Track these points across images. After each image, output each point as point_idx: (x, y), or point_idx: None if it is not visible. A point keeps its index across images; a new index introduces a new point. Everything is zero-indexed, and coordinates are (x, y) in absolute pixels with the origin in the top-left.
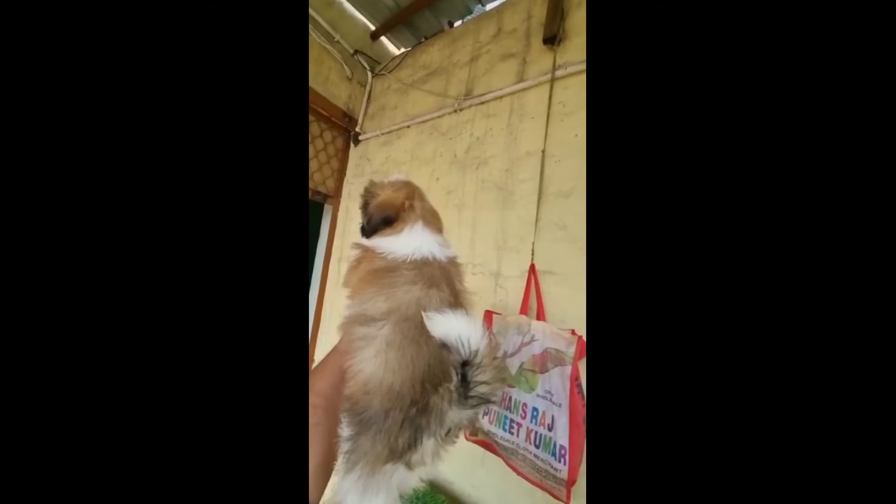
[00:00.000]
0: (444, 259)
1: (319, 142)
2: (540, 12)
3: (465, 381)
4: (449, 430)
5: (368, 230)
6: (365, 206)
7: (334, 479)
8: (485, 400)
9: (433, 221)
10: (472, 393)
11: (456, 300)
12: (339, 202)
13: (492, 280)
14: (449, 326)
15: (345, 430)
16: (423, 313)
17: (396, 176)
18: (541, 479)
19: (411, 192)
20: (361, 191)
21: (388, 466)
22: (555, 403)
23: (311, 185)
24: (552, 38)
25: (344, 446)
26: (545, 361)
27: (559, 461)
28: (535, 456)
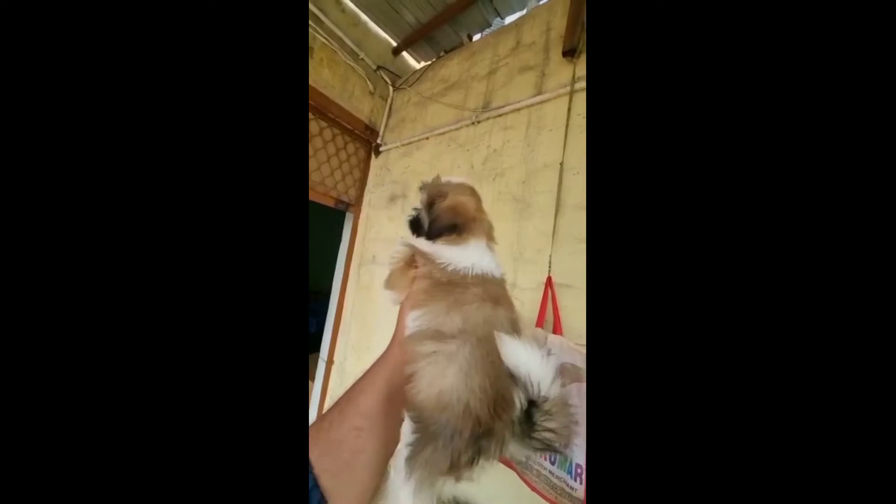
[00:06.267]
0: (499, 277)
1: (343, 153)
2: (560, 24)
3: (529, 420)
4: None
5: (433, 232)
6: (430, 205)
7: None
8: (548, 446)
9: (493, 237)
10: (535, 435)
11: (515, 322)
12: (360, 210)
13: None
14: (519, 359)
15: (408, 436)
16: (495, 334)
17: (459, 179)
18: (556, 496)
19: (479, 200)
20: (421, 185)
21: (443, 478)
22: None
23: (334, 194)
24: (572, 51)
25: (404, 451)
26: (562, 377)
27: (575, 480)
28: (550, 472)
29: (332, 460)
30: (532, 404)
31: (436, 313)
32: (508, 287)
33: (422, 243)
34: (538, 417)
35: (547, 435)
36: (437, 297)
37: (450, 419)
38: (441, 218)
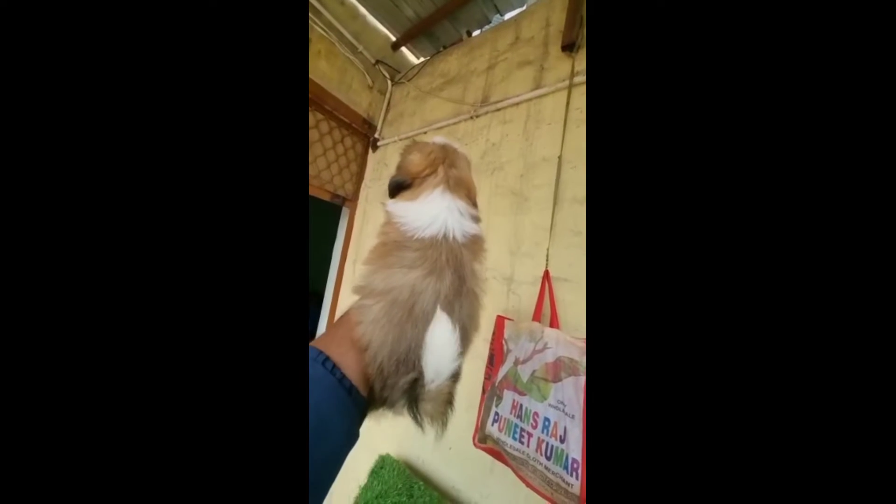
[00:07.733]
0: (460, 237)
1: (340, 147)
2: (558, 20)
3: (413, 390)
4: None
5: (390, 193)
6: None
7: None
8: (414, 415)
9: (457, 188)
10: (412, 406)
11: (457, 291)
12: (356, 205)
13: (504, 285)
14: (434, 340)
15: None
16: (438, 311)
17: (437, 139)
18: (552, 492)
19: (440, 157)
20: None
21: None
22: (567, 415)
23: (330, 188)
24: (570, 45)
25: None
26: (558, 370)
27: (571, 475)
28: (546, 468)
29: (336, 347)
30: (417, 381)
31: (368, 271)
32: (505, 280)
33: (389, 203)
34: (419, 391)
35: (419, 409)
36: (379, 256)
37: (366, 358)
38: (391, 178)
